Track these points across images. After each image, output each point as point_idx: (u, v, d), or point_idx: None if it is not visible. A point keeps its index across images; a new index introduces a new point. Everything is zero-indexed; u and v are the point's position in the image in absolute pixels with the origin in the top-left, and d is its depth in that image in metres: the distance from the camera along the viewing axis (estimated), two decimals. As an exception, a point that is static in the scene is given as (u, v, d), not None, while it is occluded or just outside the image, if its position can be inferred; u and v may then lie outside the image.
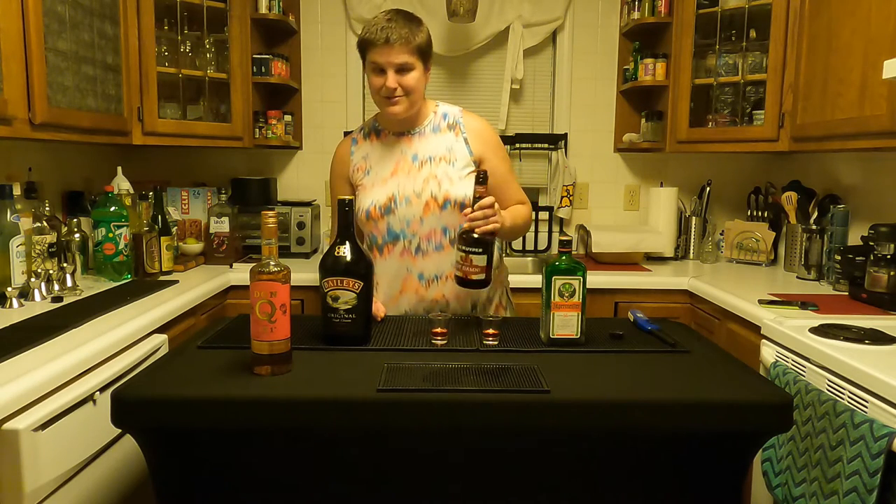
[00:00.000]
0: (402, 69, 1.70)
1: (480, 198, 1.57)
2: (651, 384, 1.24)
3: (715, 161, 3.17)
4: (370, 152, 1.84)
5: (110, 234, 2.20)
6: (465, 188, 1.76)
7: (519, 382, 1.23)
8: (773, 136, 2.52)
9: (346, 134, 2.99)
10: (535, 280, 2.52)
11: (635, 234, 2.82)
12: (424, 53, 1.75)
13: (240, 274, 2.51)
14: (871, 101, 1.95)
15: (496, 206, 1.61)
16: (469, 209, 1.59)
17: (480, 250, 1.56)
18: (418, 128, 1.83)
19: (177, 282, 2.25)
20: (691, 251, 3.00)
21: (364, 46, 1.72)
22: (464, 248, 1.57)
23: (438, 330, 1.49)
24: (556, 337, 1.49)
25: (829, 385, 1.56)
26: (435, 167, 1.78)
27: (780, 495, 1.64)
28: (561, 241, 1.50)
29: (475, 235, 1.57)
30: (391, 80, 1.69)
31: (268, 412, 1.16)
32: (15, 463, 1.20)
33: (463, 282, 1.59)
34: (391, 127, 1.84)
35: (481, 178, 1.57)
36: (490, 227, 1.58)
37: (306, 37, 3.14)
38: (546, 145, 3.17)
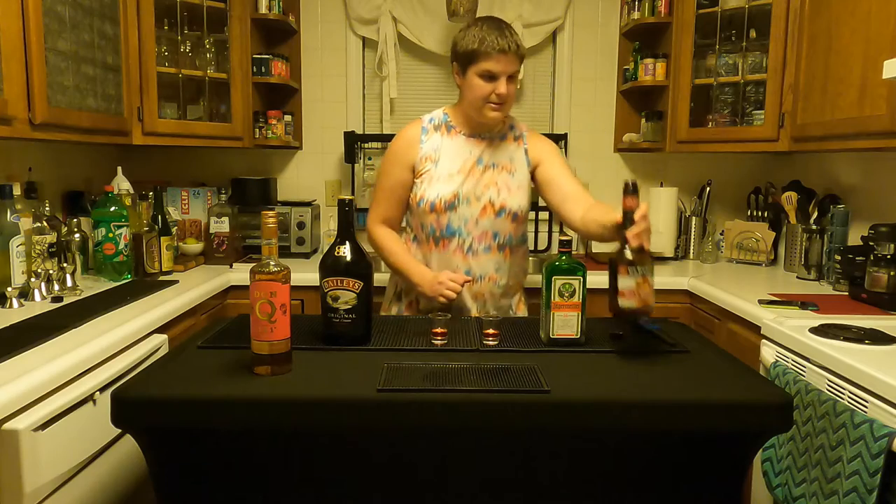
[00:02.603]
0: (511, 77, 1.78)
1: (631, 211, 1.37)
2: (651, 384, 1.24)
3: (715, 161, 3.17)
4: (441, 145, 1.88)
5: (110, 234, 2.20)
6: (519, 199, 1.87)
7: (519, 382, 1.23)
8: (773, 136, 2.52)
9: (346, 134, 3.02)
10: (536, 280, 2.51)
11: (635, 234, 2.81)
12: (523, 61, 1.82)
13: (240, 274, 2.51)
14: (871, 101, 1.95)
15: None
16: (619, 225, 1.41)
17: (652, 269, 1.37)
18: (489, 133, 1.90)
19: (177, 282, 2.25)
20: (691, 251, 3.00)
21: (474, 56, 1.75)
22: (638, 269, 1.34)
23: (438, 330, 1.49)
24: (556, 337, 1.49)
25: (829, 385, 1.56)
26: (497, 175, 1.86)
27: (780, 495, 1.64)
28: (561, 241, 1.50)
29: (635, 253, 1.34)
30: (503, 87, 1.76)
31: (268, 412, 1.16)
32: (15, 463, 1.20)
33: (633, 312, 1.37)
34: (465, 128, 1.89)
35: (631, 189, 1.37)
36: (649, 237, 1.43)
37: (306, 37, 3.14)
38: (546, 145, 3.16)
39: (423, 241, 1.91)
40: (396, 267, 1.91)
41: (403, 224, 1.99)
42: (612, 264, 1.38)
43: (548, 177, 1.88)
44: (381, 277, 2.48)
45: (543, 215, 3.18)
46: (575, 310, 1.48)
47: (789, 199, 2.65)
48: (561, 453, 1.29)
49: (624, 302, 1.36)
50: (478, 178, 1.85)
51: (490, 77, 1.76)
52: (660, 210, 2.97)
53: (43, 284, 1.88)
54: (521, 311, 2.03)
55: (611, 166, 3.23)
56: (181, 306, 2.00)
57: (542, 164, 1.90)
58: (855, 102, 2.03)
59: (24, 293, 1.85)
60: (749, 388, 1.23)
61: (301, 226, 2.85)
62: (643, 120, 3.04)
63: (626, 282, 1.35)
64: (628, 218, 1.37)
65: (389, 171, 1.92)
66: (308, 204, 2.91)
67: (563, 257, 1.49)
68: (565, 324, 1.49)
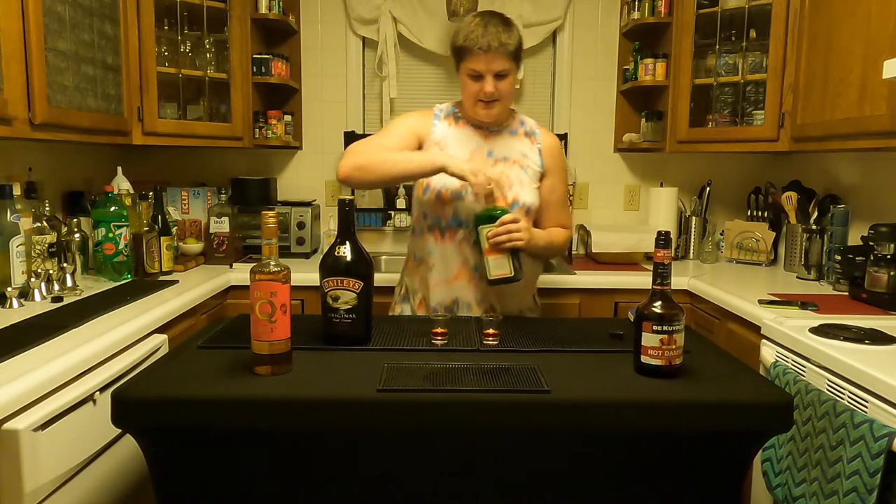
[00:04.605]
0: (500, 75, 1.74)
1: (661, 263, 1.28)
2: (651, 384, 1.24)
3: (715, 161, 3.17)
4: (448, 135, 1.85)
5: (110, 234, 2.20)
6: (532, 196, 1.82)
7: (519, 382, 1.23)
8: (773, 136, 2.52)
9: (346, 134, 3.01)
10: (547, 280, 2.51)
11: (635, 234, 2.82)
12: (519, 57, 1.78)
13: (240, 274, 2.51)
14: (871, 101, 1.95)
15: (521, 221, 1.64)
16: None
17: (682, 327, 1.27)
18: (497, 127, 1.87)
19: (177, 282, 2.25)
20: (691, 251, 3.00)
21: (462, 53, 1.74)
22: (665, 327, 1.25)
23: (438, 330, 1.49)
24: (493, 278, 1.65)
25: (829, 385, 1.56)
26: (508, 168, 1.82)
27: (780, 495, 1.64)
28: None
29: (658, 311, 1.26)
30: (490, 85, 1.73)
31: (268, 412, 1.16)
32: (15, 463, 1.20)
33: (656, 370, 1.27)
34: (472, 120, 1.86)
35: (662, 241, 1.28)
36: (513, 243, 1.61)
37: (306, 37, 3.13)
38: (546, 145, 3.16)
39: (422, 233, 1.85)
40: (405, 160, 1.72)
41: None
42: (638, 317, 1.29)
43: (545, 201, 1.86)
44: (381, 277, 2.48)
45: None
46: (504, 252, 1.62)
47: (789, 199, 2.65)
48: (561, 453, 1.29)
49: (646, 359, 1.28)
50: (488, 171, 1.76)
51: (477, 75, 1.74)
52: (660, 210, 2.98)
53: (43, 284, 1.88)
54: (534, 313, 1.97)
55: (611, 166, 3.23)
56: (181, 306, 2.00)
57: (548, 177, 1.87)
58: (855, 102, 2.03)
59: (24, 293, 1.85)
60: (749, 388, 1.23)
61: (301, 226, 2.85)
62: (643, 120, 3.04)
63: (650, 338, 1.27)
64: (657, 271, 1.28)
65: (397, 130, 1.83)
66: (308, 204, 2.91)
67: (489, 208, 1.61)
68: (499, 266, 1.62)
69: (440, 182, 1.78)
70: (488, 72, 1.72)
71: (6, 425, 1.19)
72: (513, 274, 1.63)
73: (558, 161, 1.91)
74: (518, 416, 1.18)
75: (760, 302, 2.05)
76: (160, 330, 1.84)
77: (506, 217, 1.61)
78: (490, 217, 1.62)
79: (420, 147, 1.84)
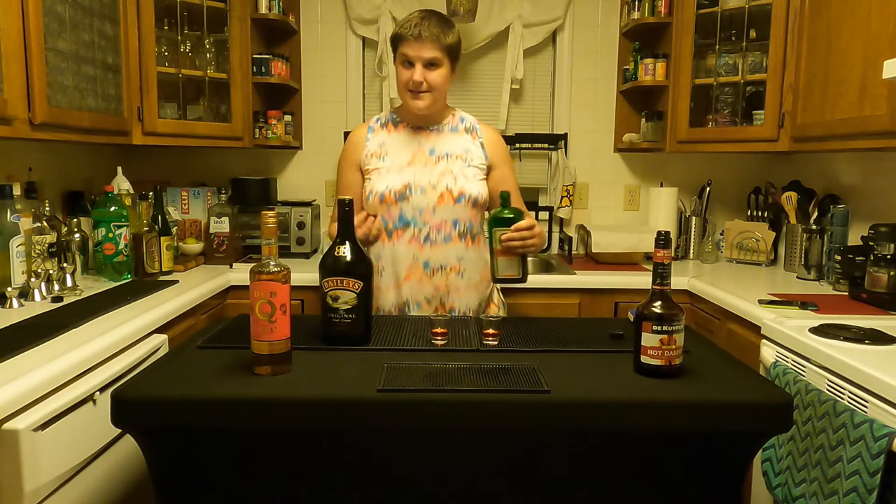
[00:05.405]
0: (430, 64, 1.78)
1: (661, 263, 1.28)
2: (651, 384, 1.24)
3: (715, 161, 3.17)
4: (387, 141, 1.90)
5: (110, 234, 2.20)
6: (478, 187, 1.86)
7: (519, 382, 1.23)
8: (773, 136, 2.52)
9: (346, 134, 3.01)
10: (532, 280, 2.52)
11: (635, 234, 2.82)
12: (453, 53, 1.82)
13: (240, 274, 2.51)
14: (871, 101, 1.95)
15: (536, 227, 1.64)
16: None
17: (682, 327, 1.28)
18: (437, 126, 1.91)
19: (177, 282, 2.25)
20: (691, 251, 3.00)
21: (396, 40, 1.80)
22: (665, 327, 1.25)
23: (438, 330, 1.49)
24: (500, 277, 1.65)
25: (829, 385, 1.56)
26: (451, 163, 1.86)
27: (780, 495, 1.64)
28: (501, 194, 1.64)
29: (658, 311, 1.26)
30: (418, 73, 1.77)
31: (268, 412, 1.16)
32: (15, 463, 1.20)
33: (655, 370, 1.27)
34: (411, 121, 1.90)
35: (662, 241, 1.28)
36: (525, 250, 1.63)
37: (306, 37, 3.14)
38: (546, 145, 3.17)
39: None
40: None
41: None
42: (638, 317, 1.30)
43: (496, 192, 1.89)
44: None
45: (543, 215, 3.18)
46: (515, 256, 1.62)
47: (789, 199, 2.65)
48: (561, 453, 1.29)
49: (646, 360, 1.28)
50: (431, 168, 1.84)
51: (409, 63, 1.78)
52: (660, 210, 2.98)
53: (43, 284, 1.88)
54: (495, 312, 1.94)
55: (611, 166, 3.23)
56: (181, 306, 2.00)
57: (496, 169, 1.92)
58: (855, 102, 2.03)
59: (24, 293, 1.85)
60: (749, 388, 1.23)
61: (301, 226, 2.85)
62: (643, 120, 3.04)
63: (650, 338, 1.27)
64: (657, 271, 1.29)
65: (341, 173, 1.97)
66: (308, 204, 2.91)
67: (505, 210, 1.61)
68: (508, 267, 1.63)
69: (383, 185, 1.83)
70: (417, 59, 1.76)
71: (6, 425, 1.19)
72: (520, 276, 1.64)
73: (502, 153, 1.94)
74: (518, 416, 1.18)
75: (760, 302, 2.05)
76: (160, 330, 1.84)
77: (521, 224, 1.60)
78: (506, 220, 1.61)
79: (361, 170, 1.91)
